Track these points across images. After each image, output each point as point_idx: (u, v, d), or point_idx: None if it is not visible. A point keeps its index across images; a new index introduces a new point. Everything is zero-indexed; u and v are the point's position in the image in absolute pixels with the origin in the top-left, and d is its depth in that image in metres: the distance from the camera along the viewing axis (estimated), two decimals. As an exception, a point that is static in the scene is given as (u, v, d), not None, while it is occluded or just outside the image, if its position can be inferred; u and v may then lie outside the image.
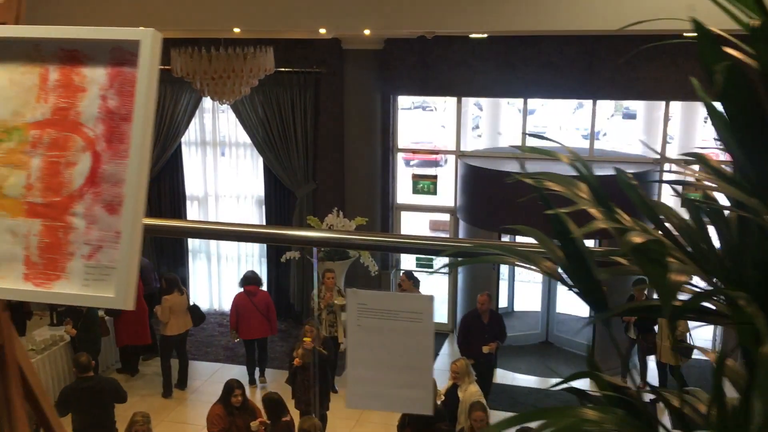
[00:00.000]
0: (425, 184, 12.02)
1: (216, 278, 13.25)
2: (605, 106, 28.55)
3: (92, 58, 1.47)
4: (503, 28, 8.55)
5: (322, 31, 7.19)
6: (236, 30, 7.16)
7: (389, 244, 1.81)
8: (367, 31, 7.73)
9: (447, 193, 12.88)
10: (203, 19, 7.08)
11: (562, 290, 12.82)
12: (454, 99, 11.42)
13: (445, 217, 12.95)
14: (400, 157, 12.74)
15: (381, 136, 11.70)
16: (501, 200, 10.70)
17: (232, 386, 7.69)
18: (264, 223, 12.51)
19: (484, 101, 16.41)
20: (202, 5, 7.05)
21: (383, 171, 11.95)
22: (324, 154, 11.92)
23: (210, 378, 11.02)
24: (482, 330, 9.35)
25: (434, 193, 12.09)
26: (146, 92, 1.43)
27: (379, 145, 11.69)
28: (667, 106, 11.04)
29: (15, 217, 1.47)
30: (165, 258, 12.80)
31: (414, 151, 17.12)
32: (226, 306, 12.54)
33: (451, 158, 15.50)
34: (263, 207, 12.60)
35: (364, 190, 11.75)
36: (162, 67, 1.61)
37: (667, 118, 11.05)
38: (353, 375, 2.10)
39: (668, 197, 14.57)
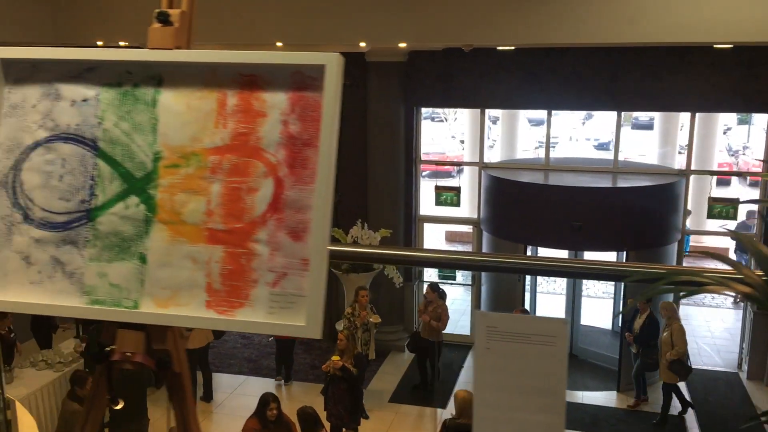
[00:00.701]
0: (448, 196, 12.00)
1: (237, 290, 13.21)
2: (614, 116, 28.63)
3: (272, 83, 1.45)
4: (535, 41, 8.55)
5: (363, 44, 7.21)
6: (279, 44, 7.18)
7: (553, 268, 1.77)
8: (403, 44, 7.76)
9: (464, 204, 12.87)
10: (247, 34, 7.08)
11: (586, 302, 12.79)
12: (466, 110, 11.39)
13: (464, 228, 12.91)
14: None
15: (404, 148, 11.69)
16: (528, 212, 10.69)
17: (267, 400, 7.65)
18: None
19: (499, 113, 16.45)
20: (246, 20, 7.06)
21: (406, 182, 11.94)
22: (347, 165, 11.90)
23: (235, 391, 10.97)
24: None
25: (457, 204, 12.08)
26: (332, 117, 1.41)
27: (402, 156, 11.69)
28: (692, 117, 11.03)
29: (195, 243, 1.45)
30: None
31: (438, 163, 17.11)
32: (248, 318, 12.51)
33: (466, 169, 15.50)
34: (285, 219, 12.58)
35: (387, 201, 11.74)
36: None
37: (693, 129, 11.02)
38: (481, 398, 2.07)
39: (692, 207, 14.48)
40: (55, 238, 1.50)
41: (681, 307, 11.87)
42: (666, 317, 9.72)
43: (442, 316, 10.38)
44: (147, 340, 1.44)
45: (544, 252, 11.95)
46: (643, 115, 27.94)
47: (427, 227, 13.92)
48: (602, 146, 27.58)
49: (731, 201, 11.06)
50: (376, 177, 11.63)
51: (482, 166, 11.86)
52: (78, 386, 7.24)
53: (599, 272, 1.75)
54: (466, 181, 15.36)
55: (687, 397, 10.11)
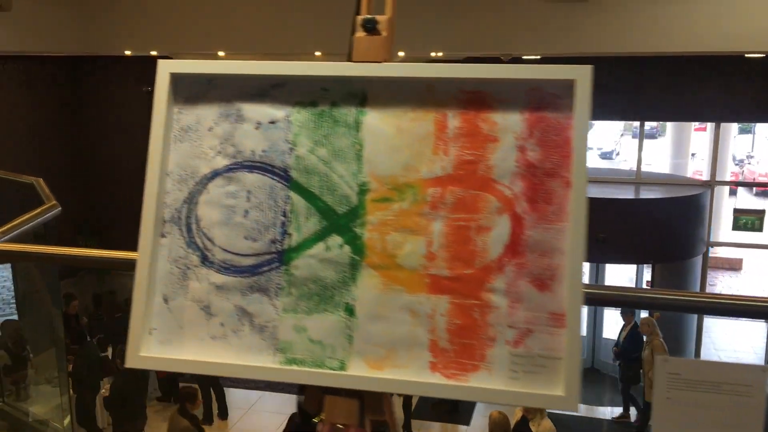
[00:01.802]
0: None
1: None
2: (614, 125, 28.58)
3: (503, 101, 1.23)
4: (565, 51, 8.39)
5: (401, 54, 7.02)
6: (317, 53, 6.98)
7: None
8: (440, 53, 7.59)
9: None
10: (286, 43, 6.88)
11: (608, 315, 12.58)
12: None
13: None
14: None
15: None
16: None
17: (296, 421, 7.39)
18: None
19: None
20: (285, 30, 6.87)
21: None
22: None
23: (252, 408, 10.70)
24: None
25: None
26: (583, 143, 1.19)
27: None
28: (717, 128, 10.88)
29: (415, 292, 1.22)
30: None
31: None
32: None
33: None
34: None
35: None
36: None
37: (717, 139, 10.88)
38: (658, 452, 1.84)
39: (724, 218, 14.39)
40: (241, 285, 1.26)
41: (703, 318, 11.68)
42: (647, 334, 9.43)
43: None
44: (360, 408, 1.20)
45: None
46: (645, 124, 27.83)
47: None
48: (605, 155, 27.48)
49: (757, 212, 10.91)
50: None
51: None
52: (189, 402, 7.12)
53: None
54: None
55: None
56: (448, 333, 1.20)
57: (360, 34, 1.27)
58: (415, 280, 1.22)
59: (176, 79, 1.31)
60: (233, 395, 10.81)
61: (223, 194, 1.28)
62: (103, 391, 9.11)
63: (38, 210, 2.51)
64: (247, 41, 7.01)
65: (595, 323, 11.89)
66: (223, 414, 10.29)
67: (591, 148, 30.22)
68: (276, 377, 1.23)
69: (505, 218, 1.20)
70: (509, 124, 1.22)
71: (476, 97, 1.23)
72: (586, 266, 11.63)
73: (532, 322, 1.18)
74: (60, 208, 2.65)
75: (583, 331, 12.28)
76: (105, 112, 11.34)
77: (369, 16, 1.26)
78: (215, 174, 1.29)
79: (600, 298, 1.26)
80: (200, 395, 7.40)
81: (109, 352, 10.01)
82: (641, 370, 9.42)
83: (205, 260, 1.28)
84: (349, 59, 1.29)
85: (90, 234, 11.79)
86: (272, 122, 1.29)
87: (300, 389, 1.26)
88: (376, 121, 1.26)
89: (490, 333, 1.19)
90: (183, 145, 1.30)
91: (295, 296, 1.25)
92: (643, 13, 8.14)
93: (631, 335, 9.60)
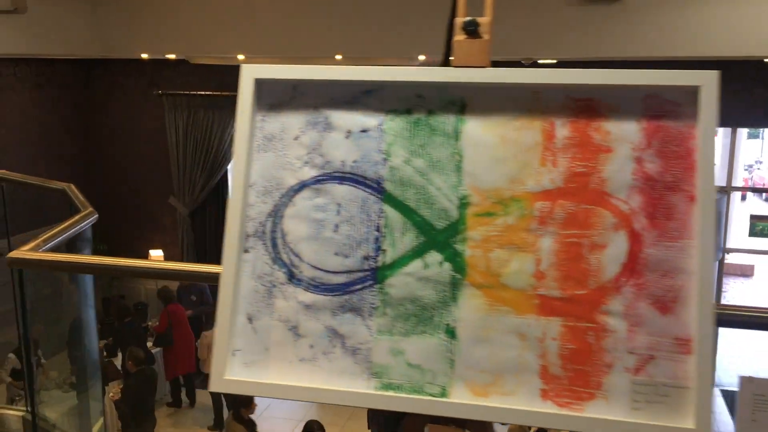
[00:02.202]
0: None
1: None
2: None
3: (616, 109, 1.14)
4: (579, 55, 8.31)
5: (422, 57, 6.95)
6: (338, 57, 6.90)
7: None
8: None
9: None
10: (306, 45, 6.81)
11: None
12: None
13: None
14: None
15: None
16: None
17: (312, 429, 7.29)
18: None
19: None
20: (304, 32, 6.79)
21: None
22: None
23: (261, 415, 10.59)
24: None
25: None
26: (709, 154, 1.10)
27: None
28: (733, 132, 10.80)
29: (522, 314, 1.13)
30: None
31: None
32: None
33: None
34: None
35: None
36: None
37: (734, 145, 10.78)
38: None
39: (737, 224, 14.28)
40: (332, 304, 1.18)
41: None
42: None
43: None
44: (465, 439, 1.12)
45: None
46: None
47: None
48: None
49: (774, 219, 10.82)
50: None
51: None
52: (243, 407, 7.16)
53: None
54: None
55: None
56: (560, 358, 1.11)
57: (460, 37, 1.19)
58: (523, 301, 1.13)
59: (260, 85, 1.22)
60: (243, 401, 10.71)
61: (311, 207, 1.20)
62: (112, 395, 9.06)
63: (77, 217, 2.43)
64: (266, 44, 6.93)
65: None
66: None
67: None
68: (371, 404, 1.14)
69: (622, 235, 1.12)
70: (624, 134, 1.13)
71: (586, 105, 1.15)
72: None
73: (654, 348, 1.09)
74: (97, 215, 2.57)
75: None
76: (117, 116, 11.27)
77: (470, 18, 1.18)
78: (302, 185, 1.21)
79: (730, 319, 1.17)
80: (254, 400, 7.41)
81: (119, 356, 9.94)
82: None
83: (293, 277, 1.19)
84: (445, 64, 1.21)
85: (100, 239, 11.71)
86: (364, 131, 1.20)
87: (398, 417, 1.17)
88: (477, 130, 1.17)
89: (606, 359, 1.10)
90: (267, 155, 1.22)
91: (390, 317, 1.16)
92: (662, 18, 8.05)
93: None
